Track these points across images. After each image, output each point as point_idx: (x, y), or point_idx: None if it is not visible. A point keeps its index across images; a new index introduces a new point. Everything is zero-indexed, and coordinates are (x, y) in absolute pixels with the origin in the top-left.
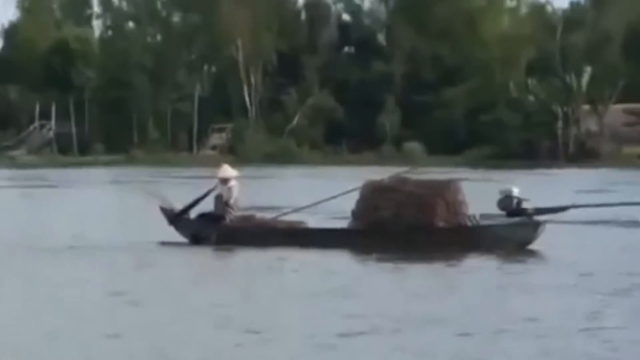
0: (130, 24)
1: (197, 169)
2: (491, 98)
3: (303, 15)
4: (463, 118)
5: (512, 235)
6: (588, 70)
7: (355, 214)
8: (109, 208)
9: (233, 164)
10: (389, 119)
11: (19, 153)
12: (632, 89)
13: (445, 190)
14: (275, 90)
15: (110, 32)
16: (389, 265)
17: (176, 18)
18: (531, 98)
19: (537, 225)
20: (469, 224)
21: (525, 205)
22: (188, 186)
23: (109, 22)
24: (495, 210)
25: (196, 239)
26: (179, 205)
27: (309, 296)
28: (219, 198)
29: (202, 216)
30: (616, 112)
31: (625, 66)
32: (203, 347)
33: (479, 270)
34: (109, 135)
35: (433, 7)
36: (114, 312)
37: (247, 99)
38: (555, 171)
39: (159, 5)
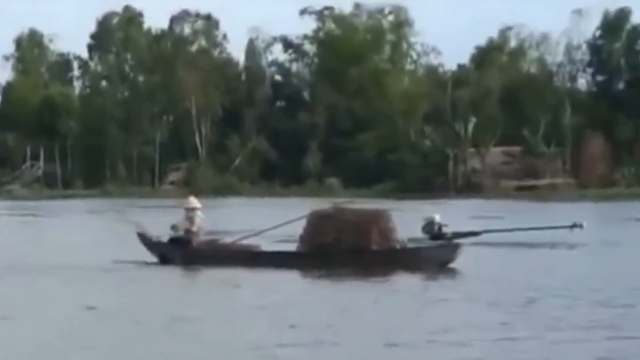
0: (104, 83)
1: (159, 200)
2: (395, 142)
3: (243, 76)
4: (373, 158)
5: (435, 256)
6: (473, 120)
7: (302, 238)
8: (88, 232)
9: (186, 196)
10: (313, 160)
11: (14, 187)
12: (507, 135)
13: (378, 219)
14: (221, 136)
15: (88, 90)
16: (330, 283)
17: (141, 78)
18: (427, 142)
19: (456, 247)
20: (399, 247)
21: (445, 230)
22: (151, 213)
23: (87, 82)
24: (419, 234)
25: (164, 259)
26: (152, 231)
27: (256, 309)
28: (187, 223)
29: (172, 240)
30: (495, 153)
31: (502, 116)
32: (159, 354)
33: (406, 286)
34: (87, 173)
35: (347, 69)
36: (86, 325)
37: (198, 143)
38: (447, 201)
39: (127, 68)
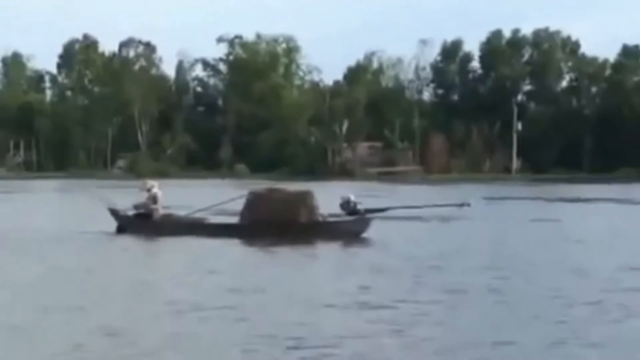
0: (69, 93)
1: (111, 181)
2: (288, 139)
3: (173, 88)
4: (271, 150)
5: (350, 228)
6: (346, 123)
7: (242, 213)
8: (59, 206)
9: (144, 179)
10: (225, 151)
11: (0, 170)
12: (371, 133)
13: (305, 197)
14: (156, 134)
15: (56, 98)
16: (263, 250)
17: (97, 89)
18: (312, 139)
19: (367, 220)
20: (321, 220)
21: (359, 207)
22: (108, 191)
23: (56, 92)
24: (337, 211)
25: (122, 229)
26: (120, 205)
27: (204, 272)
28: (148, 200)
29: (137, 215)
30: (363, 147)
31: (368, 120)
32: (122, 312)
33: (324, 253)
34: (56, 160)
35: (251, 84)
36: (57, 284)
37: (139, 138)
38: (327, 183)
39: (86, 82)
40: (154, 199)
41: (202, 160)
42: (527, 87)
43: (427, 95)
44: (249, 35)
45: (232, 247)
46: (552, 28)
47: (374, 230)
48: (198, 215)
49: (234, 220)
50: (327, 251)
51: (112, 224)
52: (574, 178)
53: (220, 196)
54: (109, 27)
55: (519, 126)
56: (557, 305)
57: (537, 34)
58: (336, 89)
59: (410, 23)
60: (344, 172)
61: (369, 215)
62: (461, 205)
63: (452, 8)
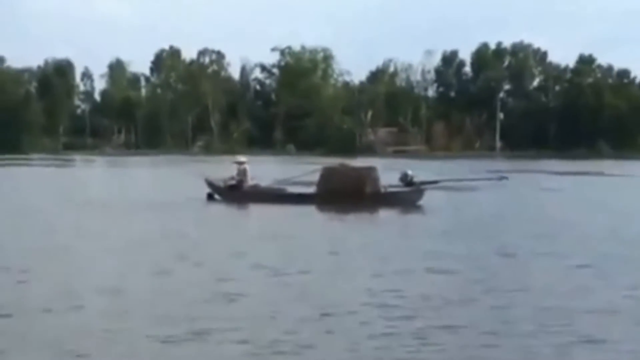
0: (159, 90)
1: (191, 157)
2: (326, 125)
3: (238, 86)
4: (314, 134)
5: (408, 197)
6: (370, 113)
7: (318, 184)
8: (160, 178)
9: (207, 156)
10: (278, 134)
11: (107, 149)
12: (390, 120)
13: (370, 171)
14: (225, 121)
15: (149, 94)
16: (337, 216)
17: (179, 87)
18: (344, 125)
19: (422, 191)
20: (383, 191)
21: (415, 180)
22: (195, 165)
23: (149, 89)
24: (397, 183)
25: (210, 196)
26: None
27: (285, 236)
28: (238, 174)
29: (230, 187)
30: (383, 131)
31: (386, 111)
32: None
33: (388, 218)
34: (149, 141)
35: (299, 83)
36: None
37: (212, 125)
38: (357, 159)
39: (172, 81)
40: (244, 172)
41: (260, 142)
42: (507, 87)
43: (431, 92)
44: (296, 46)
45: (311, 213)
46: (526, 41)
47: (427, 200)
48: (278, 186)
49: (311, 190)
50: (390, 217)
51: (204, 193)
52: (542, 154)
53: (286, 171)
54: (189, 38)
55: (501, 116)
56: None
57: (514, 45)
58: (362, 87)
59: (418, 35)
60: (369, 151)
61: (422, 187)
62: (500, 179)
63: (450, 25)
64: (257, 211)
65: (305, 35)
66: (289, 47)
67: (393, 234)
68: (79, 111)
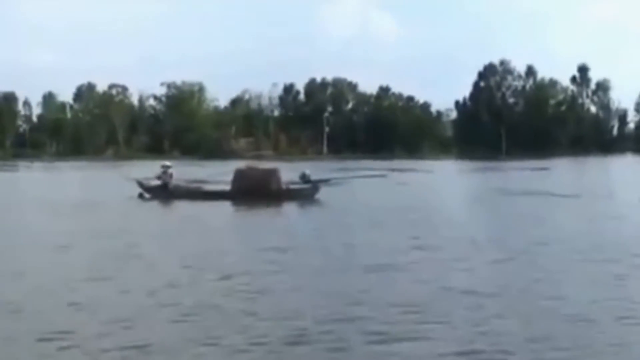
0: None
1: (108, 162)
2: (201, 136)
3: (137, 109)
4: (196, 142)
5: (307, 193)
6: (233, 128)
7: (232, 183)
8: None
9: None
10: (167, 143)
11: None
12: (247, 133)
13: (273, 172)
14: (129, 134)
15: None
16: (245, 210)
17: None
18: (215, 137)
19: (317, 187)
20: (285, 188)
21: (311, 178)
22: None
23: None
24: (297, 180)
25: (142, 196)
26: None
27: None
28: (164, 175)
29: (158, 185)
30: (242, 141)
31: (245, 126)
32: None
33: (289, 210)
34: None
35: (181, 107)
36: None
37: (119, 137)
38: (226, 162)
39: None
40: (169, 175)
41: (154, 150)
42: (330, 109)
43: (276, 112)
44: (178, 81)
45: (221, 208)
46: (342, 76)
47: (322, 195)
48: (197, 185)
49: (226, 188)
50: (291, 209)
51: (135, 191)
52: (357, 157)
53: (184, 172)
54: (102, 74)
55: (327, 129)
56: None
57: (334, 79)
58: (226, 110)
59: (266, 71)
60: (233, 155)
61: (318, 184)
62: (381, 176)
63: (289, 63)
64: (181, 205)
65: (185, 72)
66: (173, 82)
67: (290, 220)
68: (21, 129)
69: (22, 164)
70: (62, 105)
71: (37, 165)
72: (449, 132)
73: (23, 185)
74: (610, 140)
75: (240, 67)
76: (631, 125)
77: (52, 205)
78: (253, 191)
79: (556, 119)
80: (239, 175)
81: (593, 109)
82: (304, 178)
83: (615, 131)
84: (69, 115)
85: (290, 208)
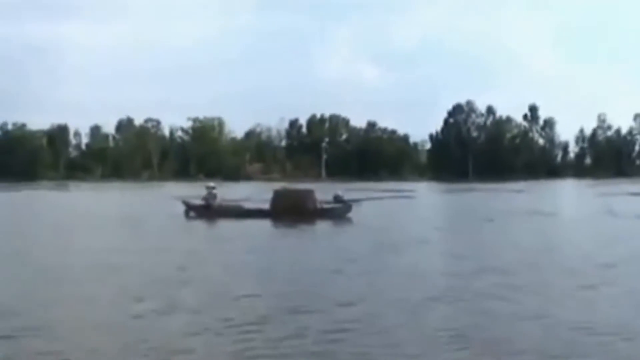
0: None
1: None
2: (223, 162)
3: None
4: (217, 166)
5: (340, 212)
6: (247, 155)
7: (271, 202)
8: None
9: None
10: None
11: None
12: (259, 160)
13: (309, 193)
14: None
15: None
16: (285, 229)
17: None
18: (233, 162)
19: (350, 207)
20: (321, 207)
21: (344, 198)
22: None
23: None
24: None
25: (186, 213)
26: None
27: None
28: (208, 195)
29: (204, 206)
30: (255, 166)
31: (256, 155)
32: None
33: (325, 227)
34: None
35: (205, 138)
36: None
37: (154, 168)
38: (246, 183)
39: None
40: (214, 195)
41: (181, 174)
42: (327, 139)
43: (283, 143)
44: (201, 116)
45: (262, 225)
46: (337, 112)
47: (354, 214)
48: (239, 204)
49: (265, 206)
50: (326, 227)
51: (179, 209)
52: (351, 179)
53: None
54: (138, 109)
55: (325, 157)
56: None
57: (331, 115)
58: (242, 140)
59: (274, 107)
60: (248, 178)
61: (350, 203)
62: (408, 196)
63: (292, 102)
64: (222, 224)
65: (207, 109)
66: (197, 117)
67: (326, 238)
68: (72, 156)
69: (72, 184)
70: (106, 136)
71: (85, 185)
72: (424, 159)
73: (78, 202)
74: (555, 167)
75: (253, 105)
76: (571, 155)
77: (108, 221)
78: (291, 210)
79: (511, 149)
80: (278, 195)
81: (541, 141)
82: (337, 198)
83: (559, 159)
84: (111, 144)
85: (323, 226)
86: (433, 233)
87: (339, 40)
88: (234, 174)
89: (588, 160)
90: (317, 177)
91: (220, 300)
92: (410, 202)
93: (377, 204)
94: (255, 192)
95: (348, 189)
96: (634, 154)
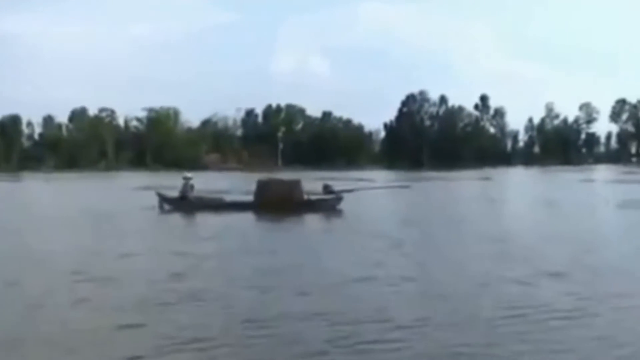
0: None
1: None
2: (172, 151)
3: (123, 129)
4: (173, 156)
5: (329, 203)
6: (204, 146)
7: (255, 194)
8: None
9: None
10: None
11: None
12: (216, 150)
13: (296, 183)
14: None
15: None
16: (269, 221)
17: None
18: (189, 153)
19: (340, 198)
20: (307, 198)
21: (334, 188)
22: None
23: None
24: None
25: (160, 205)
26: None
27: (218, 237)
28: (185, 187)
29: (180, 197)
30: (212, 156)
31: (213, 144)
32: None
33: (312, 220)
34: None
35: (160, 127)
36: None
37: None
38: (205, 173)
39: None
40: (191, 186)
41: (137, 163)
42: (283, 129)
43: (239, 132)
44: (157, 106)
45: (243, 219)
46: (293, 102)
47: (344, 205)
48: (218, 196)
49: (248, 198)
50: (316, 220)
51: (150, 201)
52: (306, 169)
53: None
54: (93, 99)
55: (281, 146)
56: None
57: (287, 105)
58: (198, 129)
59: (230, 97)
60: (205, 168)
61: (341, 194)
62: (402, 187)
63: (250, 91)
64: (198, 218)
65: (160, 99)
66: (153, 107)
67: (315, 230)
68: (25, 146)
69: (26, 174)
70: (59, 126)
71: (40, 175)
72: (378, 148)
73: (36, 195)
74: (505, 155)
75: (209, 94)
76: (521, 144)
77: (72, 216)
78: (276, 202)
79: (463, 138)
80: (262, 186)
81: (492, 130)
82: (327, 189)
83: (509, 148)
84: (65, 134)
85: (311, 218)
86: (449, 225)
87: (296, 31)
88: (190, 164)
89: (537, 149)
90: (274, 167)
91: (242, 327)
92: (400, 192)
93: (361, 194)
94: (212, 181)
95: (305, 178)
96: (580, 143)
